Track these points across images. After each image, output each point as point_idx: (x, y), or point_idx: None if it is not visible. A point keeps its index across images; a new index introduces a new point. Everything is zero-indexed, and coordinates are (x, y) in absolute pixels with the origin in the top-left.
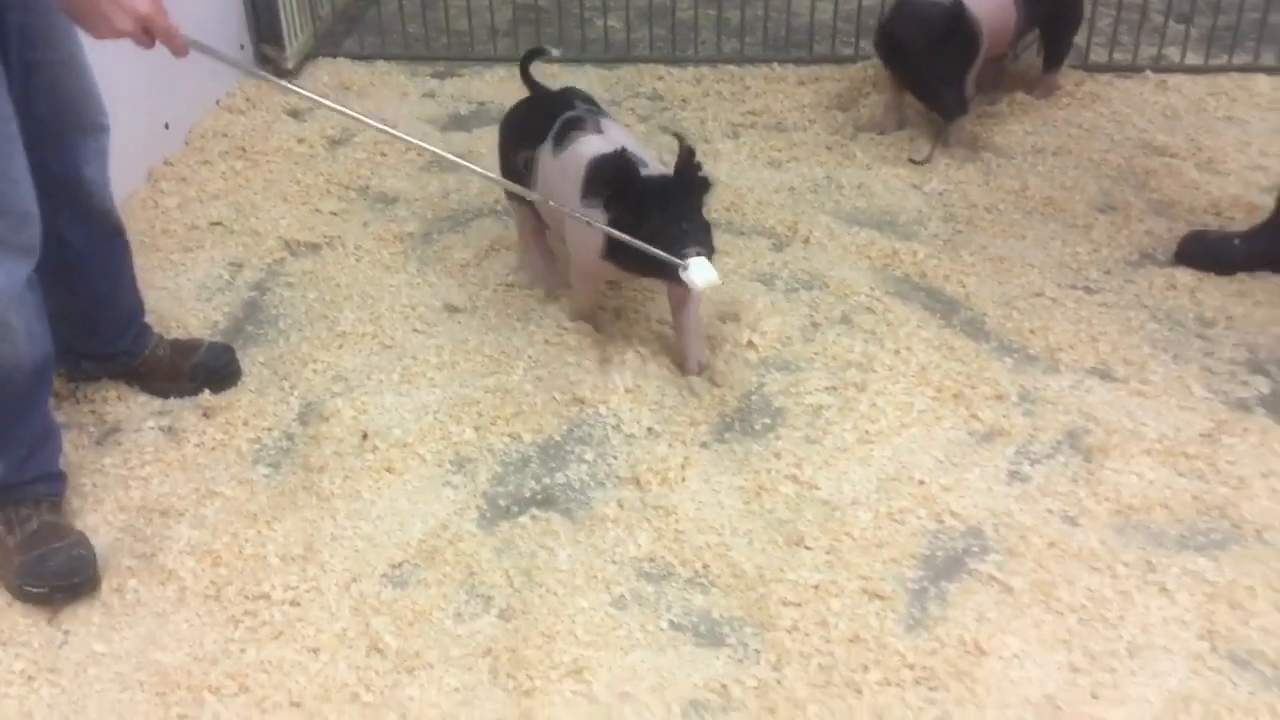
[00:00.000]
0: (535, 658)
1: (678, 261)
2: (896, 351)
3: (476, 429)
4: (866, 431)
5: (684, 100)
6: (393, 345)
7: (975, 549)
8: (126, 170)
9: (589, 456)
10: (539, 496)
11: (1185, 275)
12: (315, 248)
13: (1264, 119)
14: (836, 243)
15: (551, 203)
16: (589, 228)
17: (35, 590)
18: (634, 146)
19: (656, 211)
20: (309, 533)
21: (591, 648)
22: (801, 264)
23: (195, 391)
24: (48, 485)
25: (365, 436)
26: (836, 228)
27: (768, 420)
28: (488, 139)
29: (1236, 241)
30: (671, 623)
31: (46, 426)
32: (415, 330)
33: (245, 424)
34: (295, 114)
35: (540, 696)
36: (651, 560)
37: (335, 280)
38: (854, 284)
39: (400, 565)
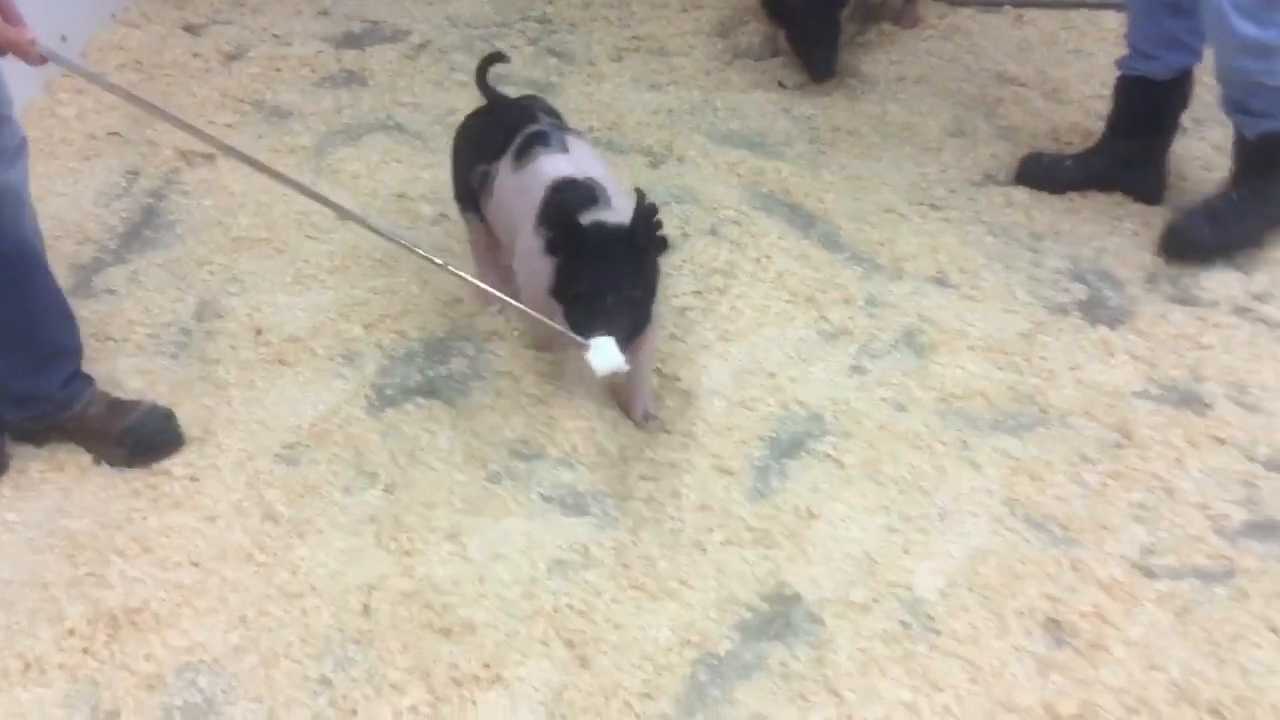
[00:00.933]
0: (416, 524)
1: (580, 340)
2: (757, 260)
3: (365, 326)
4: (726, 330)
5: (572, 24)
6: (286, 250)
7: (815, 432)
8: (24, 80)
9: (470, 352)
10: (423, 387)
11: (1022, 194)
12: (210, 158)
13: (1109, 52)
14: (709, 161)
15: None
16: (537, 259)
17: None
18: (602, 172)
19: (590, 271)
20: (206, 417)
21: (467, 515)
22: (675, 180)
23: (125, 461)
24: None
25: (259, 332)
26: (710, 147)
27: None
28: (379, 57)
29: (1068, 163)
30: (541, 495)
31: None
32: (308, 237)
33: (145, 321)
34: (190, 29)
35: (420, 556)
36: (525, 442)
37: (230, 189)
38: (723, 199)
39: (292, 446)
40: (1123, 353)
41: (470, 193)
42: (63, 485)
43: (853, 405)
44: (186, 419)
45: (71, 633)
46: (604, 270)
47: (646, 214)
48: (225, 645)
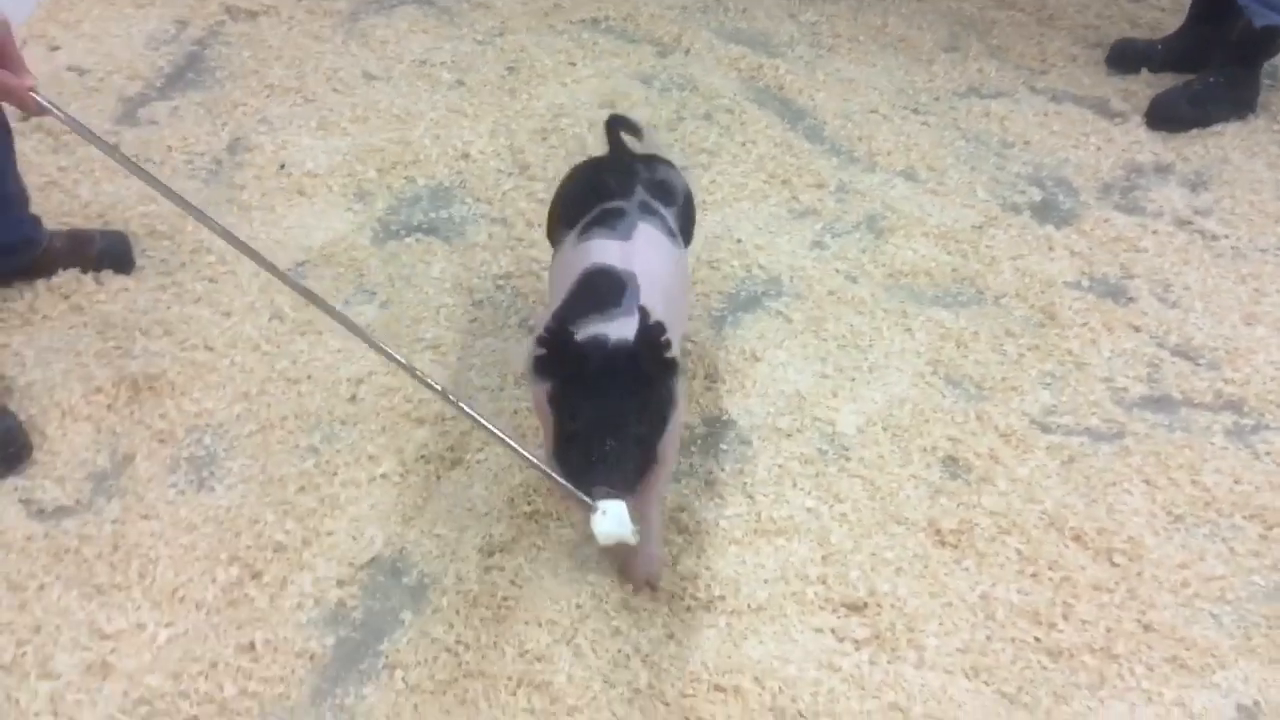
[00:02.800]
0: (405, 333)
1: (587, 500)
2: (743, 144)
3: (379, 171)
4: (704, 201)
5: None
6: (314, 100)
7: (771, 292)
8: None
9: (469, 200)
10: (424, 225)
11: (1000, 106)
12: (253, 15)
13: None
14: (713, 54)
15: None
16: (532, 383)
17: None
18: (660, 273)
19: (586, 406)
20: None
21: (450, 331)
22: (679, 69)
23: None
24: None
25: (282, 166)
26: (715, 42)
27: None
28: None
29: (1159, 46)
30: (520, 322)
31: None
32: (335, 90)
33: (181, 149)
34: None
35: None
36: (508, 278)
37: (268, 43)
38: (720, 89)
39: (303, 263)
40: (1063, 248)
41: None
42: (92, 283)
43: (809, 273)
44: (211, 234)
45: (99, 390)
46: (610, 399)
47: (651, 335)
48: (230, 414)
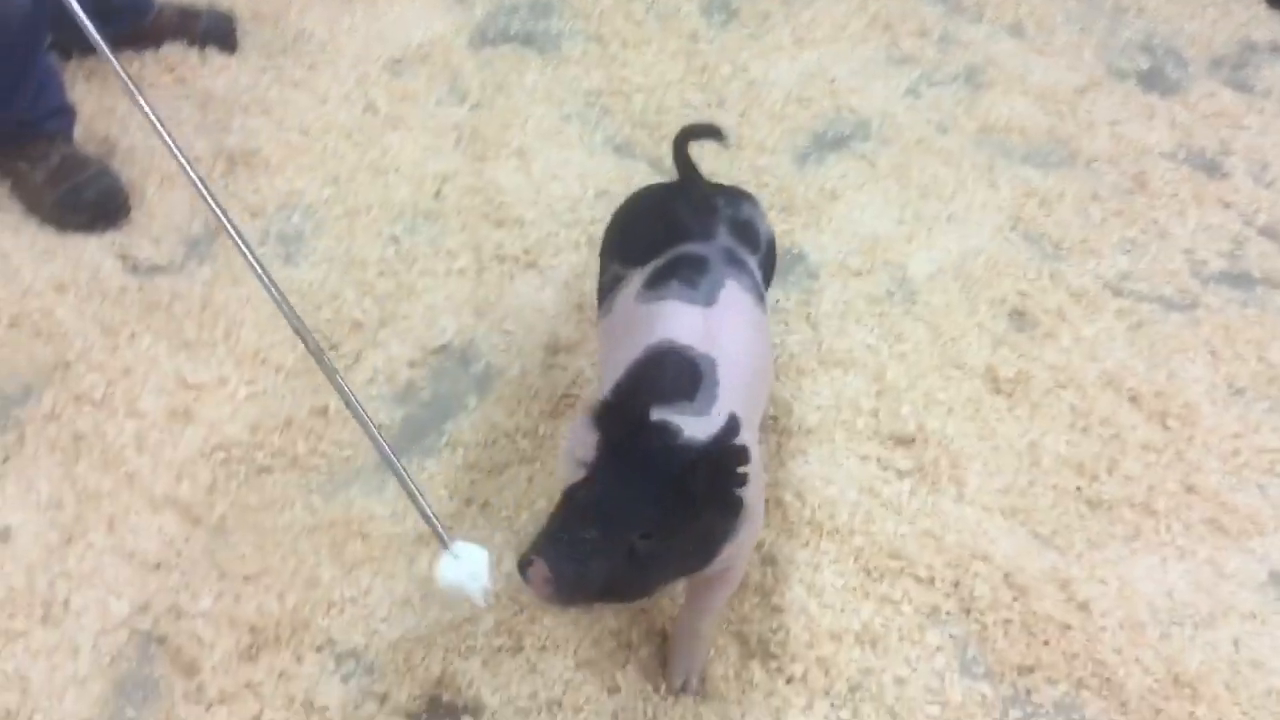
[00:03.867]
0: (492, 138)
1: (444, 538)
2: None
3: None
4: (802, 38)
5: None
6: None
7: (859, 135)
8: None
9: (567, 15)
10: (521, 35)
11: None
12: None
13: None
14: None
15: None
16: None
17: (76, 218)
18: (742, 352)
19: (609, 480)
20: (331, 22)
21: (536, 140)
22: None
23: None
24: (58, 120)
25: None
26: None
27: (723, 18)
28: None
29: None
30: (605, 139)
31: (49, 66)
32: None
33: None
34: None
35: (490, 163)
36: (600, 94)
37: None
38: None
39: (400, 60)
40: (1163, 118)
41: (602, 291)
42: (196, 58)
43: (899, 120)
44: (315, 21)
45: (197, 160)
46: (625, 493)
47: (727, 458)
48: (319, 196)
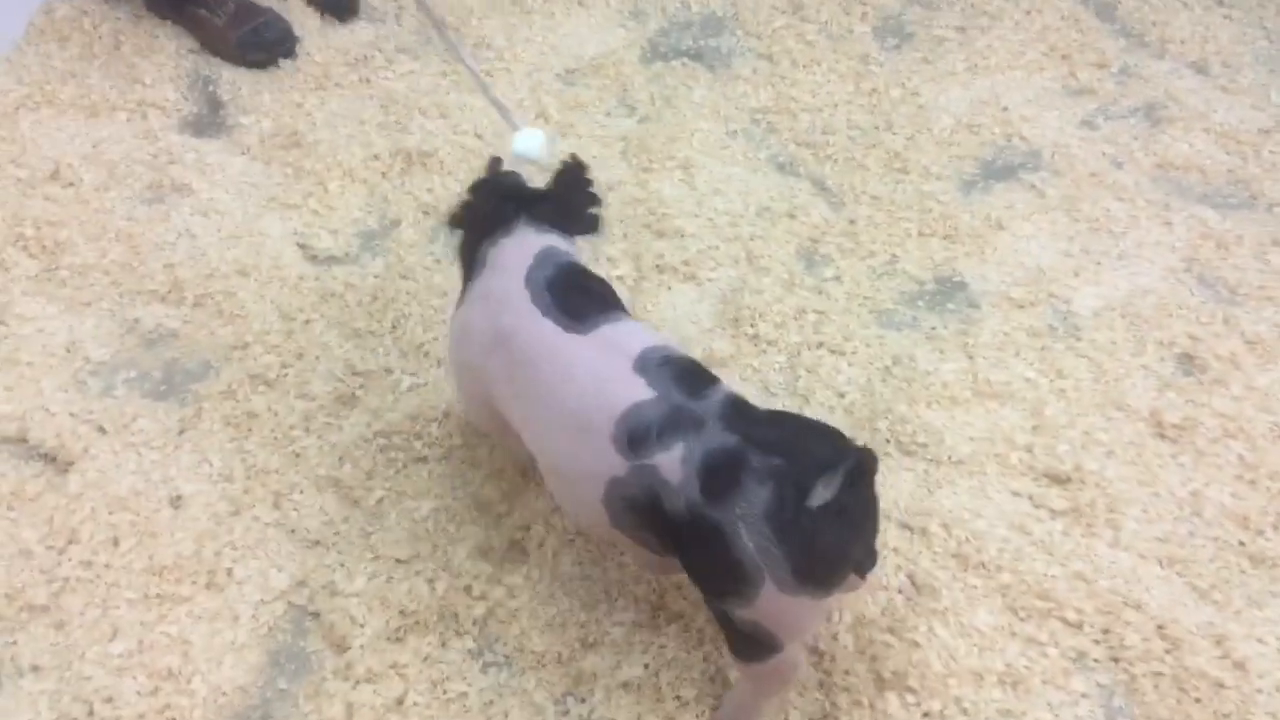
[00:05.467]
0: (658, 150)
1: (514, 123)
2: (1028, 12)
3: None
4: (975, 65)
5: None
6: None
7: (1029, 165)
8: None
9: (739, 33)
10: (692, 51)
11: None
12: None
13: None
14: None
15: None
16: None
17: (258, 57)
18: None
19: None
20: (509, 32)
21: (702, 155)
22: None
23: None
24: None
25: None
26: None
27: (896, 42)
28: None
29: None
30: (769, 157)
31: None
32: None
33: None
34: None
35: (653, 174)
36: (766, 112)
37: None
38: None
39: (572, 71)
40: None
41: None
42: (381, 60)
43: (1072, 151)
44: (493, 29)
45: (376, 158)
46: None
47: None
48: None
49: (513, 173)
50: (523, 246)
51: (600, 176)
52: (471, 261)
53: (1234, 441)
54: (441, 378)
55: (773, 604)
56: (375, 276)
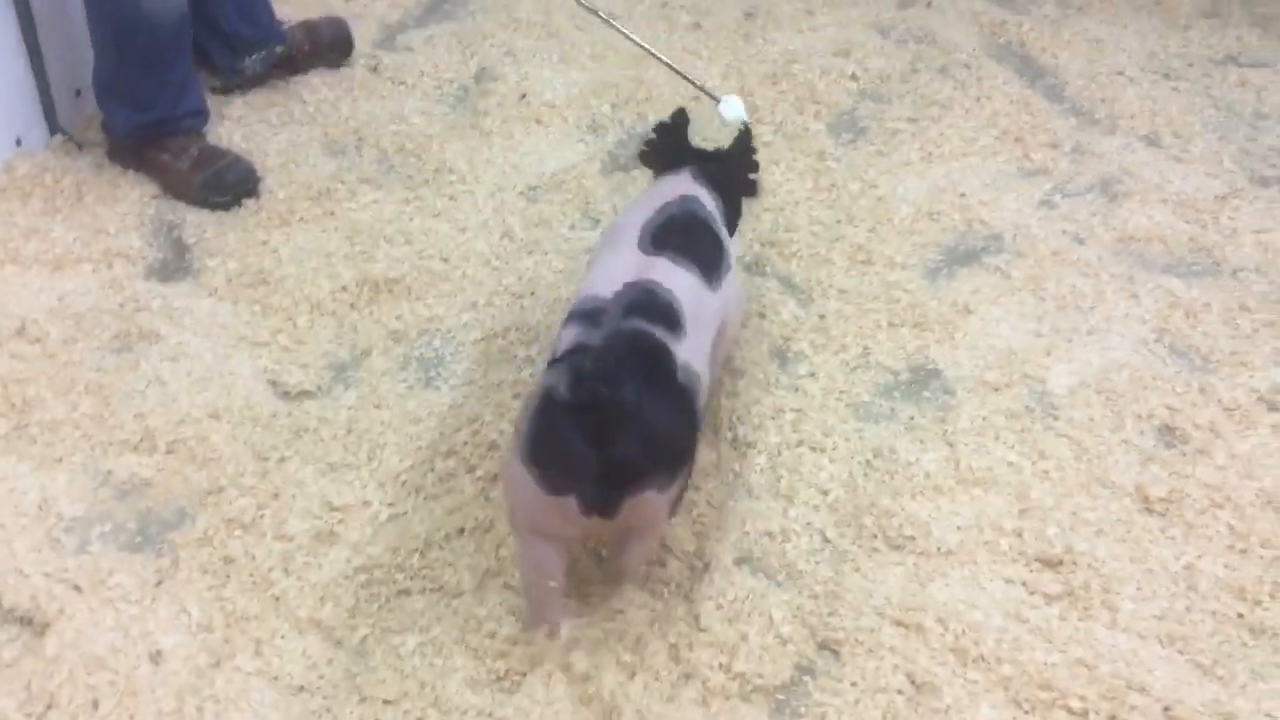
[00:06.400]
0: None
1: (713, 95)
2: (977, 99)
3: (612, 105)
4: (930, 154)
5: None
6: (557, 35)
7: (992, 248)
8: None
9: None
10: None
11: (1258, 76)
12: None
13: None
14: (955, 9)
15: None
16: None
17: (221, 199)
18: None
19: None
20: (470, 154)
21: None
22: (919, 22)
23: (335, 65)
24: (195, 119)
25: (523, 96)
26: None
27: (851, 136)
28: None
29: None
30: (735, 258)
31: (190, 70)
32: (577, 27)
33: (434, 75)
34: None
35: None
36: None
37: None
38: (960, 44)
39: (535, 188)
40: None
41: None
42: (344, 191)
43: (1033, 232)
44: (455, 154)
45: (344, 289)
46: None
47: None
48: (458, 321)
49: (686, 120)
50: (674, 188)
51: (567, 290)
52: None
53: (1222, 511)
54: (420, 505)
55: (513, 473)
56: (348, 408)
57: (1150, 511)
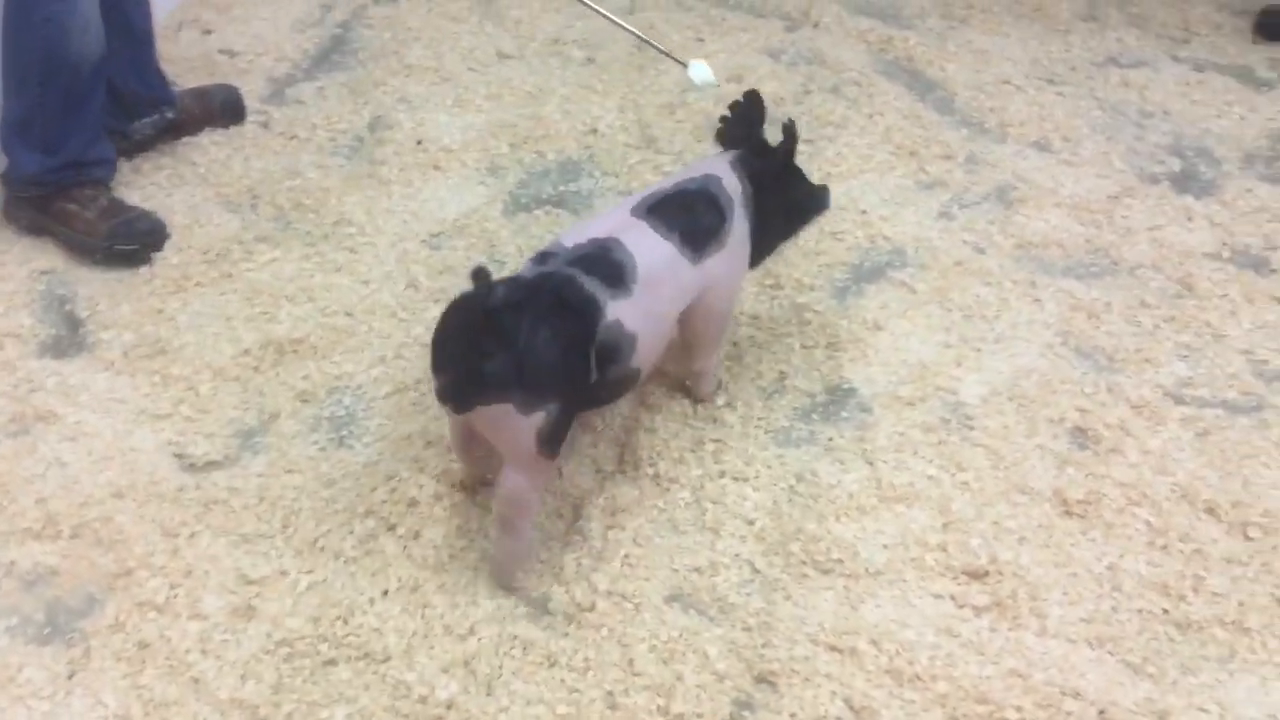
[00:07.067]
0: None
1: (680, 60)
2: (870, 116)
3: (511, 145)
4: (829, 173)
5: None
6: (450, 79)
7: (896, 263)
8: None
9: (597, 174)
10: (553, 198)
11: (1139, 76)
12: None
13: None
14: (841, 28)
15: None
16: None
17: (127, 247)
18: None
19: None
20: (369, 205)
21: None
22: (808, 44)
23: (225, 126)
24: (105, 169)
25: (420, 143)
26: (845, 16)
27: None
28: None
29: None
30: None
31: (100, 116)
32: (470, 69)
33: (326, 127)
34: None
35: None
36: None
37: (408, 25)
38: (849, 62)
39: (438, 235)
40: (1202, 219)
41: None
42: (240, 252)
43: (934, 244)
44: (353, 205)
45: (246, 353)
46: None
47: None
48: (368, 376)
49: (759, 110)
50: (711, 164)
51: None
52: None
53: (1139, 509)
54: (340, 570)
55: None
56: (259, 476)
57: (1070, 515)
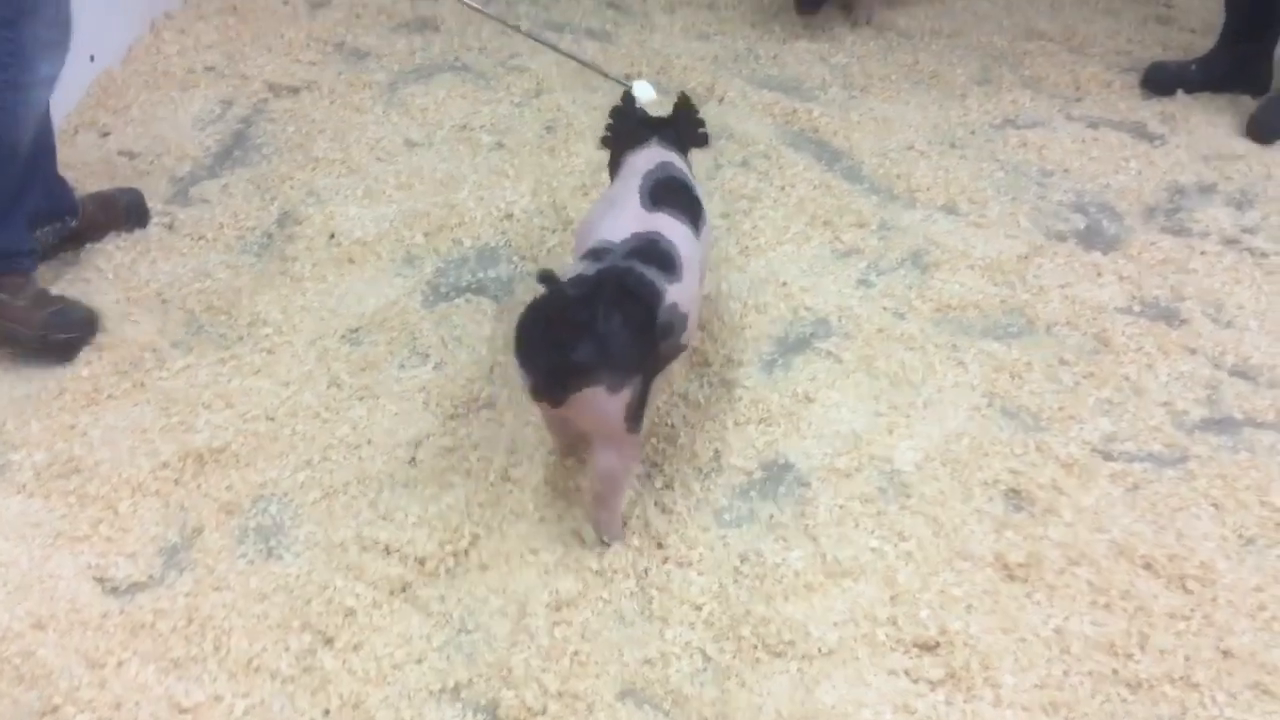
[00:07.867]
0: (459, 393)
1: (622, 81)
2: (782, 188)
3: (426, 235)
4: (746, 247)
5: None
6: (358, 170)
7: (820, 333)
8: (133, 22)
9: (515, 259)
10: (473, 286)
11: (1037, 136)
12: (295, 91)
13: (1136, 10)
14: (746, 102)
15: None
16: None
17: (62, 337)
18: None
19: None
20: (284, 304)
21: (505, 389)
22: (713, 119)
23: (130, 230)
24: (32, 260)
25: (332, 236)
26: (749, 90)
27: None
28: (450, 7)
29: (1192, 68)
30: None
31: (34, 210)
32: (378, 159)
33: (234, 225)
34: None
35: (461, 420)
36: None
37: (311, 117)
38: (756, 136)
39: (357, 330)
40: (1111, 274)
41: None
42: (153, 360)
43: (856, 312)
44: (267, 305)
45: (165, 465)
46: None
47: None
48: (294, 482)
49: (636, 103)
50: (649, 158)
51: (406, 434)
52: (614, 169)
53: (1079, 569)
54: (278, 690)
55: None
56: (186, 595)
57: (1012, 578)
